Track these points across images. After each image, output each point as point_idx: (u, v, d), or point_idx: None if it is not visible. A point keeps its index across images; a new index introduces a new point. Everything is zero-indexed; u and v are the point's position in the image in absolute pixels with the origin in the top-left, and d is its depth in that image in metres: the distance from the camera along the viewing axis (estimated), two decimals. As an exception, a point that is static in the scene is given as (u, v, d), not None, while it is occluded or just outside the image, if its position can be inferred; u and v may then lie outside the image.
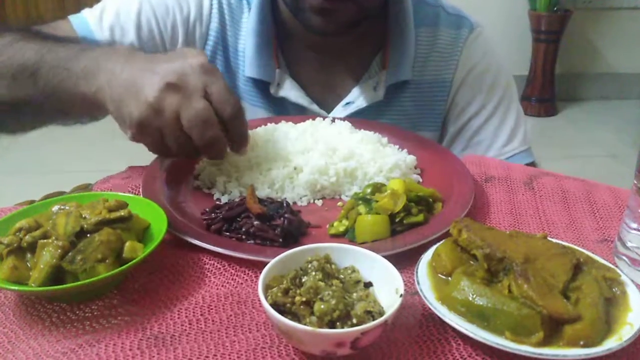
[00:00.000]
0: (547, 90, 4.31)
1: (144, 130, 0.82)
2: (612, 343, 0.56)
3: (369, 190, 0.83)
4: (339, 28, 1.09)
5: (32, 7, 4.35)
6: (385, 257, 0.64)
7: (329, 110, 1.20)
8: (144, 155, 0.92)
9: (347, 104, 1.20)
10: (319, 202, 0.89)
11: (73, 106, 0.93)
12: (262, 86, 1.20)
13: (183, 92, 0.81)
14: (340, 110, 1.19)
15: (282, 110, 1.19)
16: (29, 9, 4.35)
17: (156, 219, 0.74)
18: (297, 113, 1.18)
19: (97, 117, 1.02)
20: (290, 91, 1.19)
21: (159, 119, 0.81)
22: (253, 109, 1.20)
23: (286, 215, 0.79)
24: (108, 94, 0.85)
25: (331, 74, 1.23)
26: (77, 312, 0.65)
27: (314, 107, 1.20)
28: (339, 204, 0.89)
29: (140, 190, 0.86)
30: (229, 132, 0.86)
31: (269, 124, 1.05)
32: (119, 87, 0.84)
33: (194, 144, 0.83)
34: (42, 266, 0.63)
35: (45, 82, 0.91)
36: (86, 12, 1.17)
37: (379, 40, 1.21)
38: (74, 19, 1.15)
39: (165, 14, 1.17)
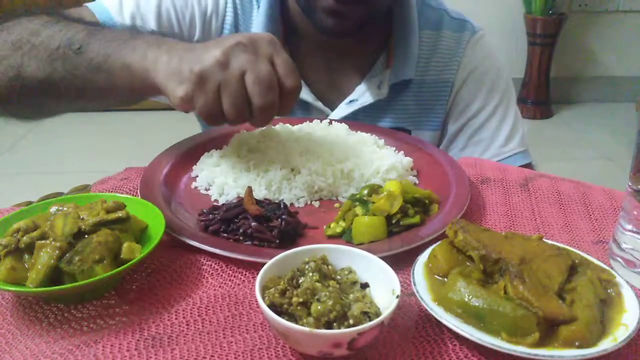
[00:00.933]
0: (543, 92, 4.33)
1: (204, 83, 0.81)
2: (607, 344, 0.57)
3: (365, 192, 0.84)
4: (349, 29, 1.11)
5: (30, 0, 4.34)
6: (381, 258, 0.64)
7: (333, 107, 1.22)
8: (142, 157, 0.92)
9: (351, 101, 1.22)
10: (316, 204, 0.90)
11: (118, 82, 0.91)
12: None
13: (252, 52, 0.82)
14: (344, 108, 1.21)
15: None
16: (26, 3, 4.34)
17: (154, 220, 0.74)
18: (301, 109, 1.21)
19: (137, 99, 1.00)
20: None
21: (223, 73, 0.80)
22: None
23: (283, 217, 0.79)
24: (163, 65, 0.84)
25: (336, 72, 1.25)
26: (75, 312, 0.65)
27: (318, 104, 1.22)
28: (336, 205, 0.89)
29: (138, 191, 0.86)
30: (280, 104, 0.85)
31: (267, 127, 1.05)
32: (178, 53, 0.84)
33: (250, 107, 0.82)
34: (39, 267, 0.63)
35: (94, 55, 0.90)
36: (104, 1, 1.16)
37: (383, 39, 1.23)
38: (93, 6, 1.15)
39: (185, 6, 1.18)
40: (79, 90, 0.96)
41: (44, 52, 0.93)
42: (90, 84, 0.93)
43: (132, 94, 0.95)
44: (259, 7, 1.20)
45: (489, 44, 1.28)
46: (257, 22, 1.20)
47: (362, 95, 1.22)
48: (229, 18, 1.21)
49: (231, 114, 0.83)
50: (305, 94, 1.21)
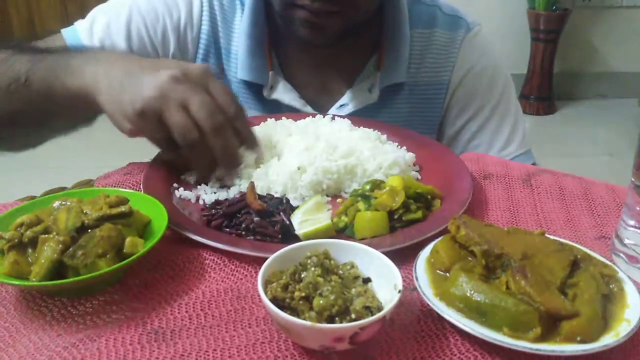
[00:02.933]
0: (546, 88, 4.32)
1: (146, 119, 0.82)
2: (609, 339, 0.57)
3: (368, 187, 0.84)
4: (327, 40, 1.09)
5: (35, 8, 4.35)
6: (384, 253, 0.64)
7: (323, 112, 1.18)
8: (145, 152, 0.92)
9: (342, 106, 1.19)
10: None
11: (65, 107, 0.93)
12: (255, 89, 1.19)
13: (188, 84, 0.82)
14: (334, 112, 1.18)
15: (276, 112, 1.17)
16: (32, 12, 4.35)
17: (157, 215, 0.74)
18: None
19: (89, 118, 1.03)
20: (283, 94, 1.18)
21: (164, 106, 0.81)
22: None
23: (286, 212, 0.79)
24: (103, 85, 0.85)
25: (325, 76, 1.22)
26: (78, 306, 0.65)
27: (308, 109, 1.19)
28: (339, 200, 0.89)
29: (141, 186, 0.86)
30: (239, 136, 0.88)
31: (269, 120, 1.05)
32: (117, 77, 0.85)
33: (200, 132, 0.82)
34: (43, 261, 0.63)
35: (38, 86, 0.93)
36: (78, 24, 1.17)
37: (374, 41, 1.20)
38: (65, 32, 1.16)
39: (156, 21, 1.16)
40: (39, 121, 1.00)
41: (2, 86, 0.96)
42: (46, 113, 0.96)
43: (84, 112, 0.98)
44: (242, 10, 1.18)
45: (485, 40, 1.24)
46: (241, 27, 1.17)
47: (352, 100, 1.19)
48: (206, 27, 1.19)
49: (182, 141, 0.83)
50: (294, 100, 1.19)
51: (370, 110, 1.18)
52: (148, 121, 0.82)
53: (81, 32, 1.14)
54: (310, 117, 1.07)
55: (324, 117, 1.07)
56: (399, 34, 1.17)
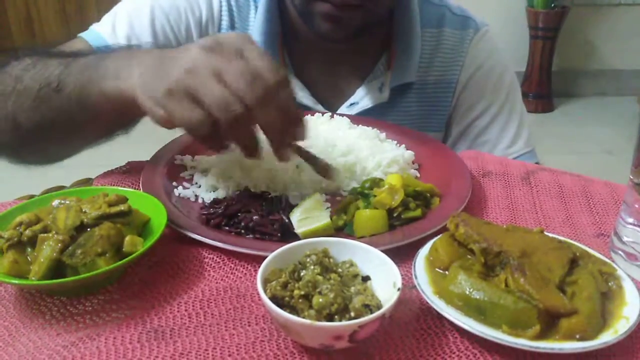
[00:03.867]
0: (544, 86, 4.32)
1: (175, 96, 0.72)
2: (608, 337, 0.57)
3: (367, 185, 0.84)
4: (347, 35, 1.08)
5: (33, 8, 4.35)
6: (383, 251, 0.64)
7: (333, 111, 1.19)
8: (144, 150, 0.92)
9: (352, 104, 1.20)
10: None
11: (101, 110, 0.86)
12: None
13: (220, 53, 0.72)
14: (344, 111, 1.19)
15: None
16: (30, 11, 4.35)
17: (156, 214, 0.74)
18: None
19: (129, 121, 0.95)
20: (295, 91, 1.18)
21: (193, 80, 0.71)
22: None
23: (285, 210, 0.79)
24: (136, 75, 0.78)
25: (337, 74, 1.22)
26: (77, 305, 0.66)
27: (319, 108, 1.20)
28: (338, 198, 0.89)
29: (140, 184, 0.86)
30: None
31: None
32: (150, 66, 0.78)
33: (242, 102, 0.70)
34: (42, 260, 0.63)
35: (71, 90, 0.86)
36: (97, 27, 1.15)
37: (385, 41, 1.21)
38: (86, 35, 1.13)
39: (179, 18, 1.16)
40: (72, 129, 0.92)
41: (28, 98, 0.89)
42: (80, 120, 0.89)
43: (122, 117, 0.91)
44: (256, 8, 1.18)
45: (493, 40, 1.25)
46: (255, 24, 1.17)
47: (362, 99, 1.20)
48: (225, 22, 1.19)
49: (223, 117, 0.71)
50: (305, 98, 1.19)
51: (380, 109, 1.19)
52: (178, 101, 0.72)
53: (104, 33, 1.13)
54: (309, 115, 1.07)
55: (322, 115, 1.07)
56: (410, 33, 1.18)
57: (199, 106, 0.71)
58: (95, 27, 1.15)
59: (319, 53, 1.20)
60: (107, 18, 1.17)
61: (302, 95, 1.19)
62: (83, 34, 1.14)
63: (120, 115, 0.89)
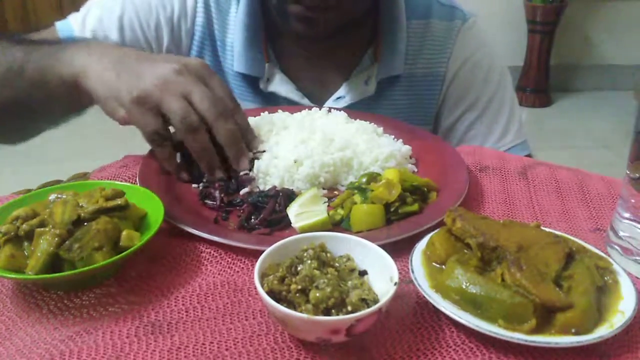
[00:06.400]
0: (542, 81, 4.32)
1: (144, 104, 0.83)
2: (603, 331, 0.57)
3: (364, 180, 0.84)
4: (322, 35, 1.08)
5: (29, 2, 4.32)
6: (380, 245, 0.65)
7: (320, 105, 1.17)
8: (141, 144, 0.92)
9: (338, 98, 1.19)
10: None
11: (58, 95, 0.93)
12: (251, 81, 1.18)
13: (189, 77, 0.84)
14: (331, 105, 1.18)
15: (273, 105, 1.16)
16: (26, 5, 4.33)
17: (153, 208, 0.74)
18: None
19: (80, 107, 1.02)
20: (280, 86, 1.17)
21: (163, 95, 0.82)
22: (242, 104, 1.17)
23: (280, 203, 0.81)
24: (95, 71, 0.86)
25: (322, 68, 1.21)
26: (74, 300, 0.66)
27: (305, 102, 1.19)
28: (335, 193, 0.89)
29: (137, 179, 0.86)
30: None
31: (264, 114, 1.05)
32: (111, 64, 0.86)
33: (204, 119, 0.84)
34: (39, 254, 0.63)
35: (31, 75, 0.93)
36: (71, 17, 1.17)
37: (371, 33, 1.19)
38: (59, 25, 1.16)
39: (149, 14, 1.16)
40: (33, 111, 1.01)
41: None
42: (40, 102, 0.97)
43: (77, 103, 0.98)
44: (238, 2, 1.17)
45: (481, 31, 1.23)
46: (236, 20, 1.16)
47: (349, 92, 1.18)
48: (200, 19, 1.18)
49: (181, 126, 0.83)
50: (291, 92, 1.18)
51: (367, 102, 1.18)
52: (145, 108, 0.83)
53: (74, 24, 1.14)
54: (307, 109, 1.07)
55: (320, 109, 1.07)
56: (395, 25, 1.16)
57: (163, 118, 0.84)
58: (70, 17, 1.17)
59: (304, 47, 1.19)
60: (82, 8, 1.18)
61: (288, 90, 1.18)
62: (58, 23, 1.16)
63: (74, 99, 0.94)
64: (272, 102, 1.18)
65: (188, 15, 1.18)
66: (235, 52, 1.17)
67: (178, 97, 0.82)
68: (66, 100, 0.95)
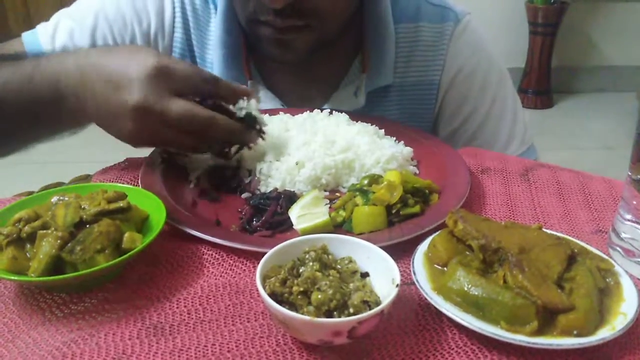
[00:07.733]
0: (544, 82, 4.32)
1: (141, 146, 0.86)
2: (605, 333, 0.57)
3: (366, 182, 0.84)
4: (297, 57, 1.03)
5: (31, 3, 4.33)
6: (381, 247, 0.65)
7: None
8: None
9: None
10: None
11: (49, 122, 0.89)
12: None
13: (154, 107, 0.79)
14: None
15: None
16: (28, 7, 4.33)
17: (155, 210, 0.74)
18: None
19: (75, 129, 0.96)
20: (265, 103, 1.11)
21: (148, 137, 0.84)
22: None
23: (282, 205, 0.81)
24: (94, 117, 0.85)
25: (308, 82, 1.15)
26: (77, 302, 0.66)
27: None
28: (337, 195, 0.89)
29: (139, 181, 0.86)
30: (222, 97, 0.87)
31: (265, 116, 1.05)
32: (101, 107, 0.82)
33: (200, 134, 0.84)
34: (41, 257, 0.63)
35: (11, 101, 0.85)
36: (40, 28, 1.10)
37: (356, 41, 1.12)
38: (26, 36, 1.09)
39: (123, 29, 1.08)
40: (18, 135, 0.94)
41: None
42: (27, 130, 0.92)
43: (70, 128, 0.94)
44: (216, 13, 1.09)
45: (476, 32, 1.15)
46: (215, 35, 1.09)
47: (337, 105, 1.11)
48: (179, 35, 1.11)
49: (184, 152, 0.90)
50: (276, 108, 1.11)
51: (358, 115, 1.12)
52: (146, 146, 0.87)
53: (42, 37, 1.07)
54: (308, 111, 1.07)
55: (321, 111, 1.07)
56: (382, 32, 1.10)
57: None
58: (38, 29, 1.10)
59: (286, 64, 1.12)
60: (52, 19, 1.11)
61: (273, 106, 1.12)
62: (25, 34, 1.09)
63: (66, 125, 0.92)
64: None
65: (166, 32, 1.11)
66: (214, 70, 1.10)
67: (162, 130, 0.81)
68: (60, 124, 0.92)
